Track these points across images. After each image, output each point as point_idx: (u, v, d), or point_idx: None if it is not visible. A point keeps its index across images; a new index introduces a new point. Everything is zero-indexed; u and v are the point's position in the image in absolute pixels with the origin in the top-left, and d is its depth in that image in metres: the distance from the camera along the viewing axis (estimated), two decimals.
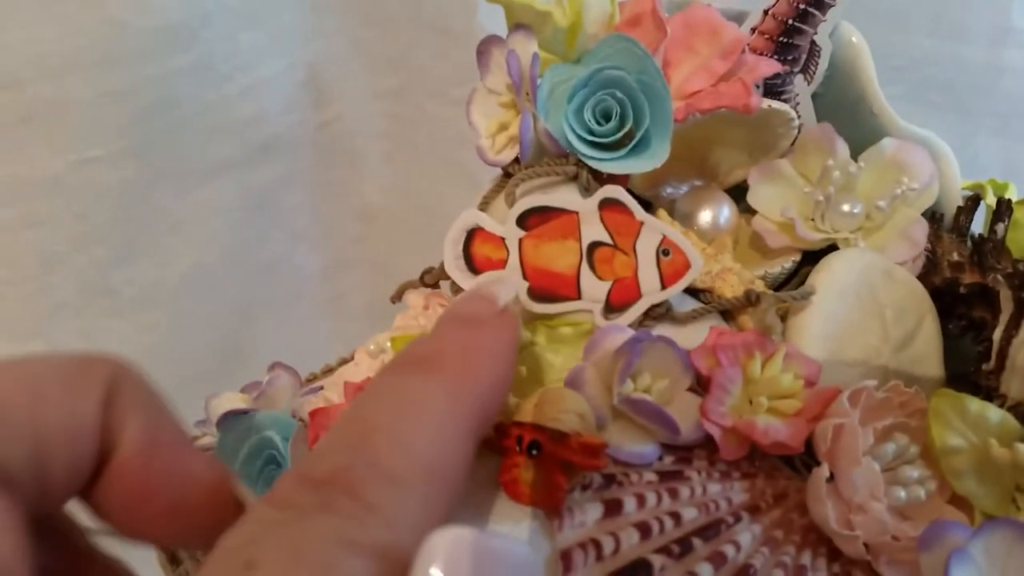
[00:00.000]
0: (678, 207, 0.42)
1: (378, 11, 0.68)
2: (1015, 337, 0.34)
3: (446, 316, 0.25)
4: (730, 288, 0.36)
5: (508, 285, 0.27)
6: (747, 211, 0.42)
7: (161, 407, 0.23)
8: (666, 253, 0.32)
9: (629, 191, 0.35)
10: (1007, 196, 0.43)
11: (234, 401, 0.36)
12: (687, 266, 0.32)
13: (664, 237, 0.33)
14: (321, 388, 0.38)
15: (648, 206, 0.43)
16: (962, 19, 0.69)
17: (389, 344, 0.35)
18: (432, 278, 0.39)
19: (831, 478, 0.31)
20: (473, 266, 0.34)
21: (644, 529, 0.29)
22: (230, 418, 0.34)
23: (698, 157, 0.43)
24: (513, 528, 0.29)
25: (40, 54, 0.66)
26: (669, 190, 0.44)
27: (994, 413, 0.32)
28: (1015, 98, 0.71)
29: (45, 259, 0.78)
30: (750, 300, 0.34)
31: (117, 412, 0.21)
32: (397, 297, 0.40)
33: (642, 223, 0.33)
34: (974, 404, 0.32)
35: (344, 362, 0.44)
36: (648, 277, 0.33)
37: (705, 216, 0.41)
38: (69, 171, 0.73)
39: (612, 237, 0.33)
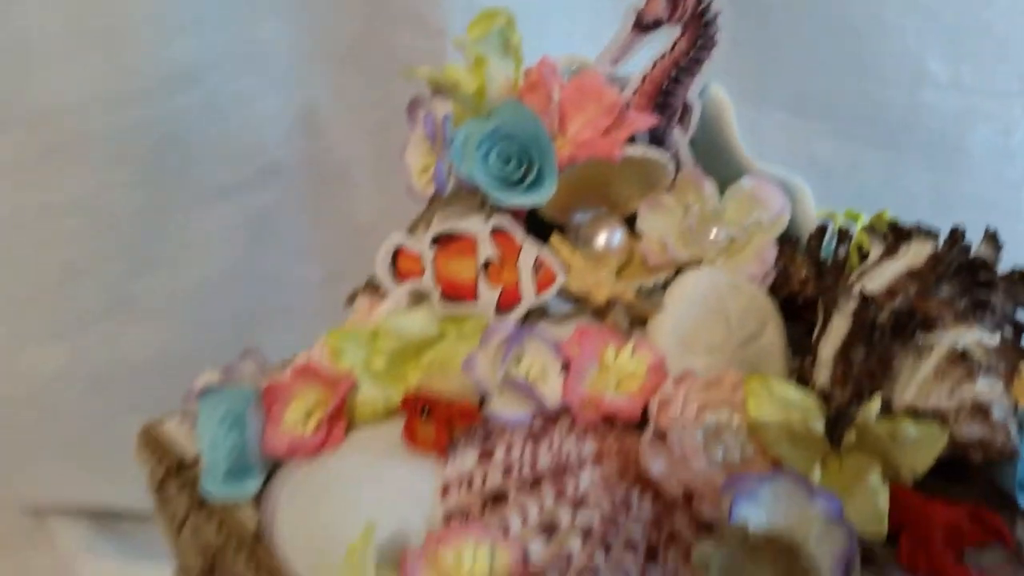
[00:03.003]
0: (581, 232, 0.53)
1: (363, 58, 0.81)
2: (823, 337, 0.44)
3: None
4: (601, 295, 0.47)
5: None
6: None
7: None
8: (539, 268, 0.44)
9: (542, 218, 0.45)
10: (859, 224, 0.53)
11: (211, 377, 0.48)
12: (553, 278, 0.44)
13: (537, 256, 0.44)
14: None
15: (560, 229, 0.54)
16: (882, 65, 0.80)
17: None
18: (374, 286, 0.50)
19: (662, 439, 0.42)
20: (398, 276, 0.46)
21: (507, 469, 0.40)
22: (205, 392, 0.46)
23: (601, 191, 0.55)
24: (414, 468, 0.40)
25: (67, 94, 0.79)
26: (578, 217, 0.55)
27: (795, 394, 0.43)
28: (936, 132, 0.81)
29: (71, 272, 0.91)
30: (609, 304, 0.45)
31: None
32: (349, 302, 0.52)
33: (522, 245, 0.44)
34: (779, 386, 0.43)
35: None
36: (526, 286, 0.44)
37: (601, 239, 0.53)
38: (92, 195, 0.86)
39: (500, 255, 0.45)
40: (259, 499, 0.44)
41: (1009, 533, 0.40)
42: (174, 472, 0.47)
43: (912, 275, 0.43)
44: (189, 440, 0.49)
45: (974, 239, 0.50)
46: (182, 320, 0.93)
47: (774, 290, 0.51)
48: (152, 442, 0.49)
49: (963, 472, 0.44)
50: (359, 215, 0.96)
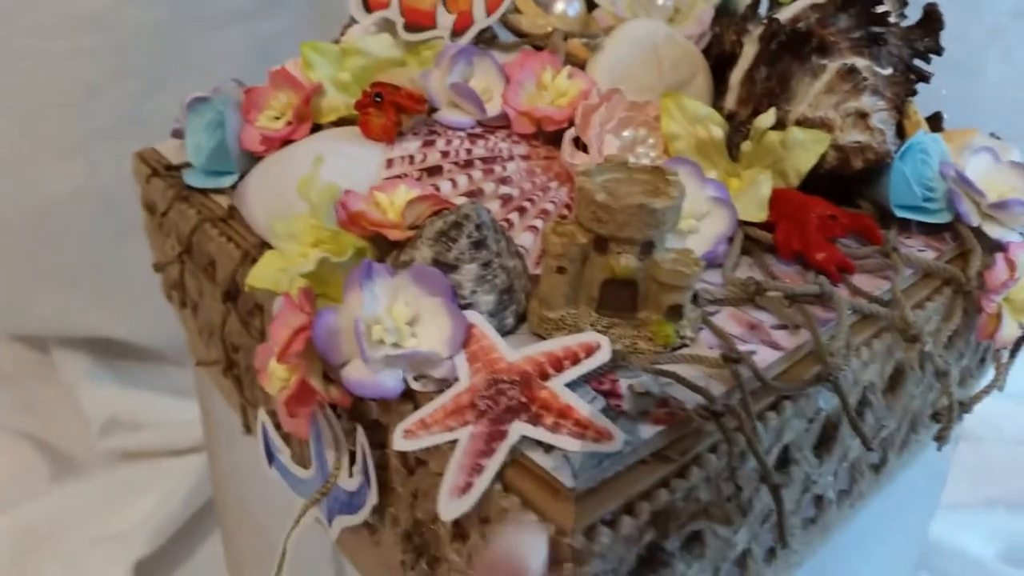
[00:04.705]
0: (540, 1, 0.60)
1: None
2: (734, 67, 0.51)
3: None
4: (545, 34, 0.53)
5: None
6: None
7: None
8: None
9: None
10: None
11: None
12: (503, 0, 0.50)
13: None
14: None
15: None
16: None
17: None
18: (348, 30, 0.57)
19: (583, 143, 0.48)
20: (368, 6, 0.53)
21: (445, 153, 0.47)
22: (194, 101, 0.53)
23: None
24: (366, 149, 0.47)
25: None
26: None
27: (703, 109, 0.49)
28: None
29: (88, 88, 0.98)
30: (548, 34, 0.51)
31: None
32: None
33: None
34: (690, 103, 0.49)
35: None
36: (479, 9, 0.51)
37: (559, 6, 0.59)
38: (111, 10, 0.93)
39: None
40: (234, 188, 0.51)
41: (878, 228, 0.47)
42: (162, 172, 0.54)
43: (814, 7, 0.49)
44: (179, 154, 0.56)
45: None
46: None
47: (707, 52, 0.57)
48: (146, 158, 0.57)
49: (849, 199, 0.51)
50: None
